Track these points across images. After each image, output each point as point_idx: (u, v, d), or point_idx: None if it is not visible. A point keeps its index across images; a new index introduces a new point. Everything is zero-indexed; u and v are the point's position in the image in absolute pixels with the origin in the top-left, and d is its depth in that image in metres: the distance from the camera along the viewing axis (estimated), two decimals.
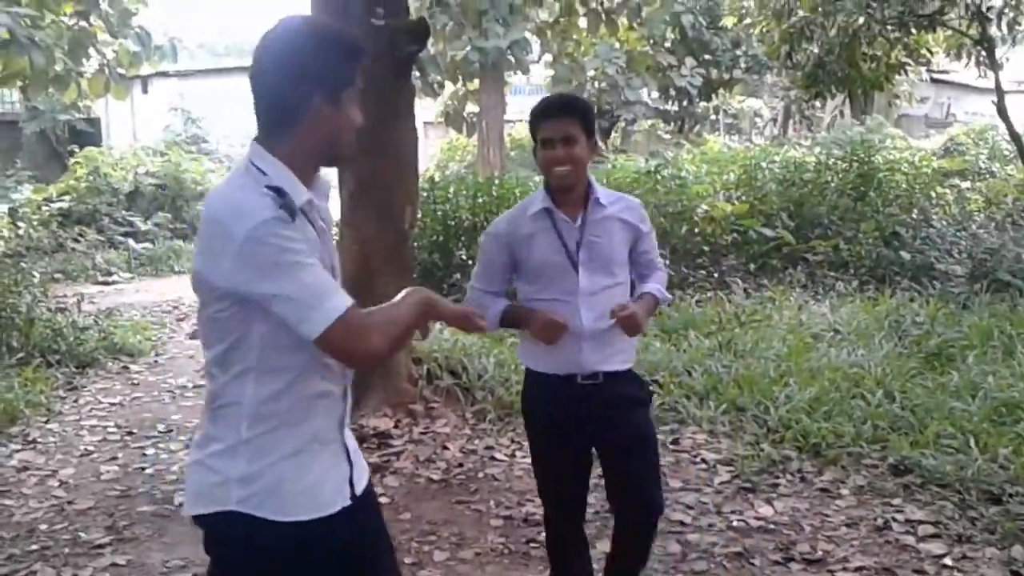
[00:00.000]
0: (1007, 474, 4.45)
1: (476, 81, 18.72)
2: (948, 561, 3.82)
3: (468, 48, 17.26)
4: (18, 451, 5.79)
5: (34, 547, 4.33)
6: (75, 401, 7.03)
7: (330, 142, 1.95)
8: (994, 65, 11.18)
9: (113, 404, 6.98)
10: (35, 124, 20.42)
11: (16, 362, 7.35)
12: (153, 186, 17.28)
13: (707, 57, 21.71)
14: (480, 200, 9.28)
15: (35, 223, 15.17)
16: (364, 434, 5.56)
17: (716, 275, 9.22)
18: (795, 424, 5.25)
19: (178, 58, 12.08)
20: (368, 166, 5.85)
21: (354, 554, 1.97)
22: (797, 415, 5.32)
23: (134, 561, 4.18)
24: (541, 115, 2.95)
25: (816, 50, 11.54)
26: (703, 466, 5.05)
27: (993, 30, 11.08)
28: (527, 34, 17.80)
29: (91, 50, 10.91)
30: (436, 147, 23.06)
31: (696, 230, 9.70)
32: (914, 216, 10.40)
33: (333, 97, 1.91)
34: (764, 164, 11.60)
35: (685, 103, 22.46)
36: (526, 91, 23.94)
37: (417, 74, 6.90)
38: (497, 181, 10.09)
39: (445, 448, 5.40)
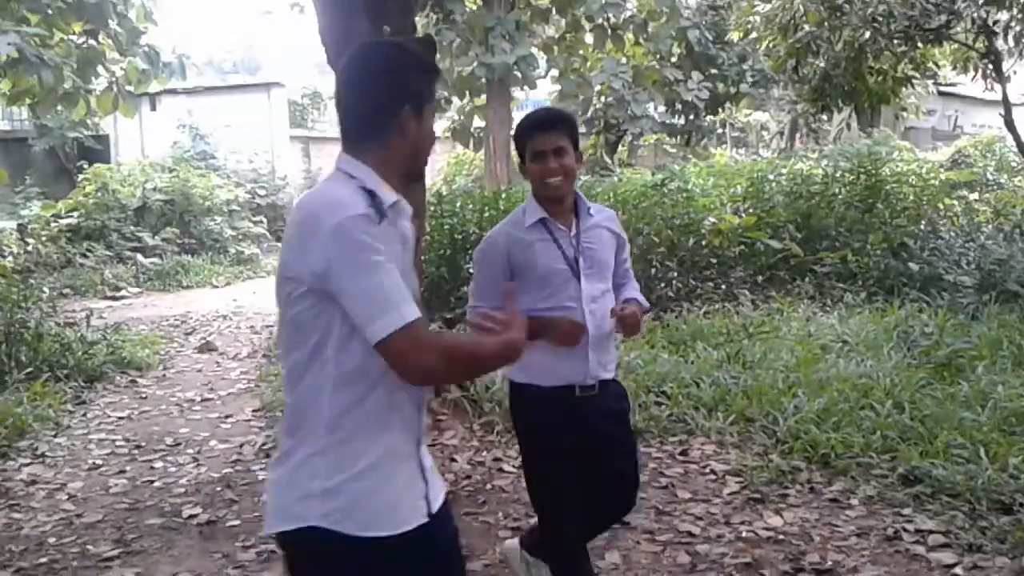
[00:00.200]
0: (1017, 484, 4.41)
1: (483, 96, 18.78)
2: (959, 571, 3.80)
3: (475, 64, 17.32)
4: (27, 465, 5.80)
5: (43, 560, 4.33)
6: (83, 415, 7.05)
7: (414, 153, 2.05)
8: (1001, 78, 11.19)
9: (121, 418, 7.00)
10: (44, 141, 20.53)
11: (25, 376, 7.37)
12: (161, 202, 17.37)
13: (713, 71, 21.73)
14: (487, 214, 9.29)
15: (44, 239, 15.25)
16: None
17: (724, 287, 9.21)
18: (804, 435, 5.22)
19: (186, 75, 12.13)
20: None
21: (429, 571, 1.98)
22: (806, 426, 5.30)
23: (143, 574, 4.18)
24: (532, 129, 3.01)
25: (822, 64, 11.57)
26: (712, 477, 5.04)
27: (1000, 43, 11.10)
28: (533, 50, 17.86)
29: (100, 68, 10.99)
30: (443, 161, 23.12)
31: (703, 242, 9.69)
32: (922, 227, 10.37)
33: (417, 111, 2.02)
34: (771, 177, 11.60)
35: (692, 117, 22.47)
36: (532, 106, 24.03)
37: None
38: (504, 195, 10.11)
39: (453, 460, 5.40)
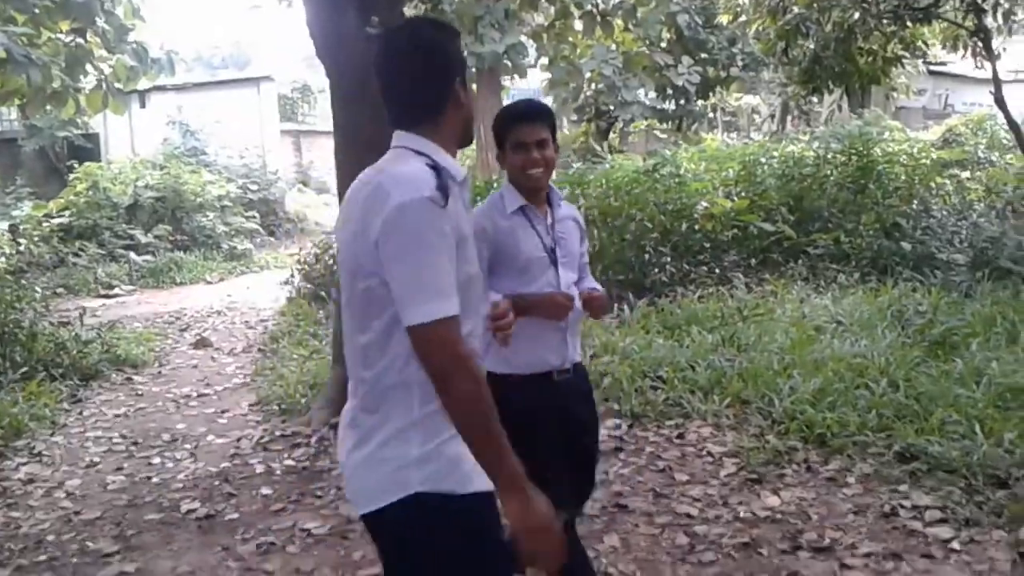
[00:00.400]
0: (1013, 458, 4.43)
1: (473, 86, 18.75)
2: (955, 545, 3.82)
3: (464, 54, 17.27)
4: (24, 464, 5.81)
5: (42, 558, 4.34)
6: (80, 413, 7.06)
7: (468, 121, 2.13)
8: (991, 55, 11.17)
9: (117, 415, 7.00)
10: (34, 141, 20.45)
11: (20, 376, 7.37)
12: (153, 199, 17.33)
13: (703, 55, 21.67)
14: (479, 202, 9.29)
15: (36, 239, 15.22)
16: None
17: (718, 271, 9.21)
18: (800, 415, 5.24)
19: (175, 71, 12.08)
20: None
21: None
22: (802, 406, 5.31)
23: (143, 569, 4.19)
24: (515, 120, 3.04)
25: (812, 46, 11.53)
26: (709, 459, 5.05)
27: (989, 20, 11.08)
28: (523, 38, 17.81)
29: (88, 66, 10.93)
30: None
31: (696, 227, 9.69)
32: (914, 207, 10.38)
33: (463, 81, 2.09)
34: (763, 160, 11.60)
35: (682, 102, 22.42)
36: (520, 95, 23.98)
37: None
38: (496, 184, 10.10)
39: None
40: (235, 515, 4.75)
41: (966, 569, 3.66)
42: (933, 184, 11.30)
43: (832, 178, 10.90)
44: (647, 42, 20.85)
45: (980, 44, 11.28)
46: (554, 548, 1.88)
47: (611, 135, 23.35)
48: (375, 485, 1.92)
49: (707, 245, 9.62)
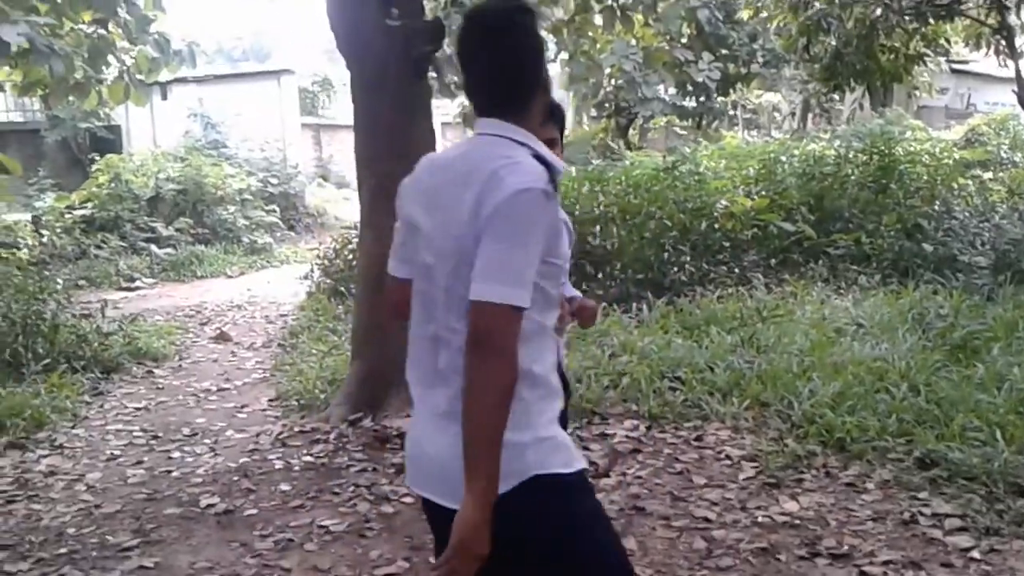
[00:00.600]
0: None
1: None
2: (976, 554, 3.79)
3: None
4: (45, 456, 5.85)
5: (63, 551, 4.37)
6: (100, 406, 7.10)
7: (547, 105, 2.13)
8: (1014, 54, 11.10)
9: (138, 408, 7.04)
10: (56, 133, 20.57)
11: (42, 368, 7.43)
12: (174, 191, 17.40)
13: (724, 52, 21.57)
14: None
15: (58, 231, 15.31)
16: (387, 434, 5.60)
17: (737, 270, 9.17)
18: (819, 419, 5.21)
19: (196, 63, 12.12)
20: (386, 166, 5.87)
21: None
22: (821, 410, 5.28)
23: (161, 564, 4.21)
24: None
25: (834, 42, 11.49)
26: (727, 462, 5.03)
27: (1012, 18, 11.00)
28: (543, 32, 17.79)
29: (110, 57, 10.99)
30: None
31: (716, 226, 9.66)
32: (936, 208, 10.29)
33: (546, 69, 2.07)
34: (783, 158, 11.54)
35: (703, 99, 22.33)
36: None
37: (434, 74, 6.94)
38: None
39: None
40: (254, 511, 4.78)
41: None
42: (955, 185, 11.21)
43: (853, 178, 10.83)
44: (667, 38, 20.76)
45: (1003, 42, 11.20)
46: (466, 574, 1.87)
47: (631, 132, 23.29)
48: None
49: (727, 244, 9.58)
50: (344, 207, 21.27)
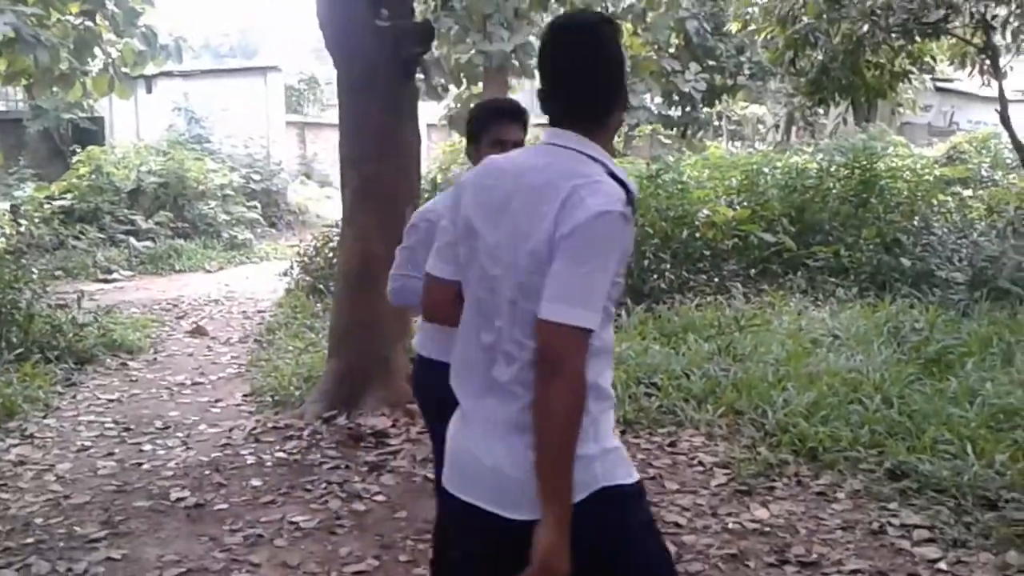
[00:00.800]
0: (1003, 480, 4.44)
1: (480, 84, 18.73)
2: (943, 566, 3.82)
3: (472, 51, 17.27)
4: (15, 445, 5.80)
5: (29, 540, 4.33)
6: (73, 397, 7.05)
7: (621, 122, 2.06)
8: (998, 74, 11.18)
9: (111, 400, 7.00)
10: (39, 122, 20.42)
11: (15, 357, 7.37)
12: (155, 185, 17.30)
13: (711, 63, 21.69)
14: None
15: (37, 220, 15.21)
16: (361, 433, 5.59)
17: (716, 279, 9.22)
18: (792, 428, 5.24)
19: (183, 58, 12.08)
20: (371, 166, 5.88)
21: None
22: (795, 419, 5.31)
23: (129, 556, 4.18)
24: (499, 116, 3.02)
25: (820, 57, 11.54)
26: (700, 468, 5.05)
27: (997, 39, 11.09)
28: (531, 38, 17.81)
29: (96, 49, 10.93)
30: (439, 149, 23.05)
31: (697, 234, 9.70)
32: (915, 223, 10.38)
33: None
34: (766, 170, 11.61)
35: (688, 108, 22.44)
36: (530, 95, 23.94)
37: (421, 76, 6.93)
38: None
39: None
40: (224, 505, 4.75)
41: None
42: (935, 201, 11.32)
43: (834, 191, 10.92)
44: (656, 47, 20.88)
45: (988, 62, 11.29)
46: None
47: (616, 139, 23.33)
48: None
49: (707, 253, 9.63)
50: (326, 205, 21.22)
